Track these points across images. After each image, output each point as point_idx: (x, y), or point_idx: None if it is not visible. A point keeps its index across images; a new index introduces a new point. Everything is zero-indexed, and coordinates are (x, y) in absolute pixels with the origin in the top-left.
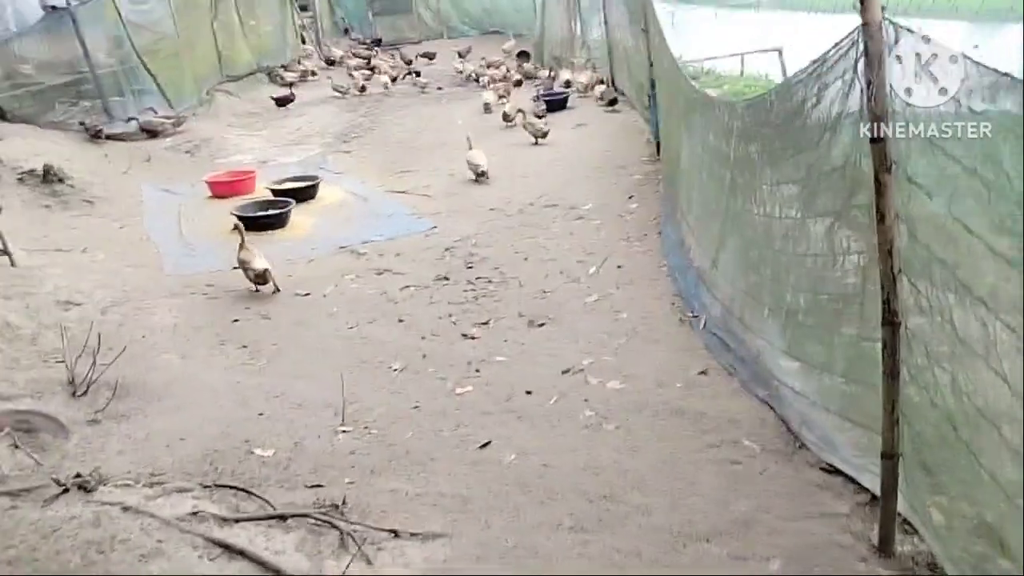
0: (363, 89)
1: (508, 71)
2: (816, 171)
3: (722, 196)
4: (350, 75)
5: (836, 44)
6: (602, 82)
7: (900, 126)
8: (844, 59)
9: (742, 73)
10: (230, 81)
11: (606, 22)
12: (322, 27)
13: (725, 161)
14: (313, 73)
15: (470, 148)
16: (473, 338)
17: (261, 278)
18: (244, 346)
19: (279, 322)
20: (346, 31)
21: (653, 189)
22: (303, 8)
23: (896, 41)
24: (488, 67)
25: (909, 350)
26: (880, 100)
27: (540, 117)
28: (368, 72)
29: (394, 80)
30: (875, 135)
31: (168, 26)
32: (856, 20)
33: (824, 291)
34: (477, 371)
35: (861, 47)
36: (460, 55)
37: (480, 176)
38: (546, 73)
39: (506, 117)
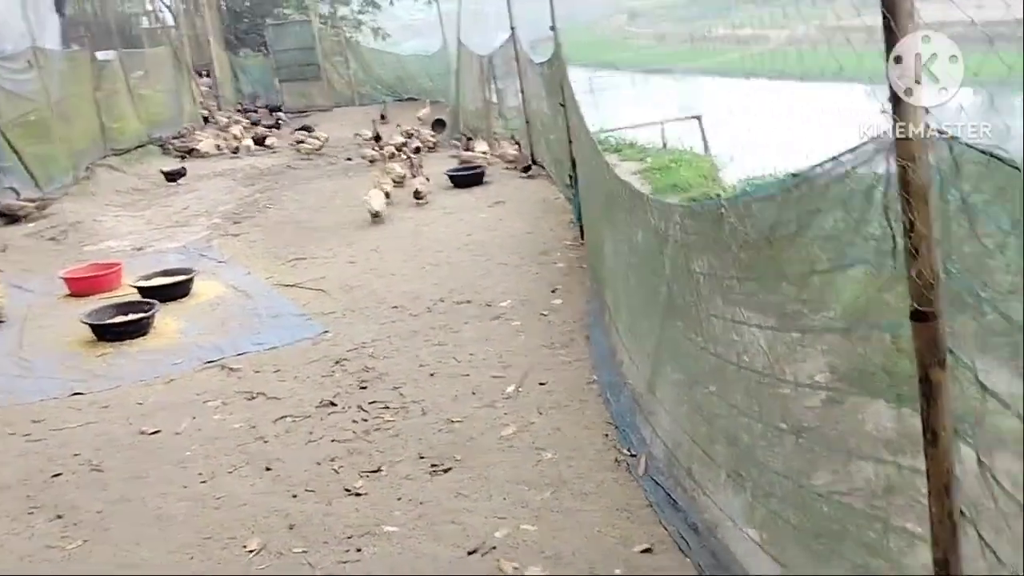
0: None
1: (405, 141)
2: (798, 323)
3: (656, 312)
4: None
5: (835, 158)
6: (517, 143)
7: (964, 296)
8: (849, 179)
9: (664, 145)
10: (115, 155)
11: (522, 92)
12: (222, 94)
13: (659, 271)
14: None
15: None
16: (358, 494)
17: None
18: (59, 516)
19: (112, 476)
20: (253, 99)
21: (579, 280)
22: (204, 74)
23: (957, 169)
24: (374, 139)
25: None
26: (929, 261)
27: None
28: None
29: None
30: (921, 312)
31: (40, 97)
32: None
33: (818, 489)
34: (358, 551)
35: (883, 170)
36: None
37: (374, 217)
38: (460, 144)
39: (417, 195)
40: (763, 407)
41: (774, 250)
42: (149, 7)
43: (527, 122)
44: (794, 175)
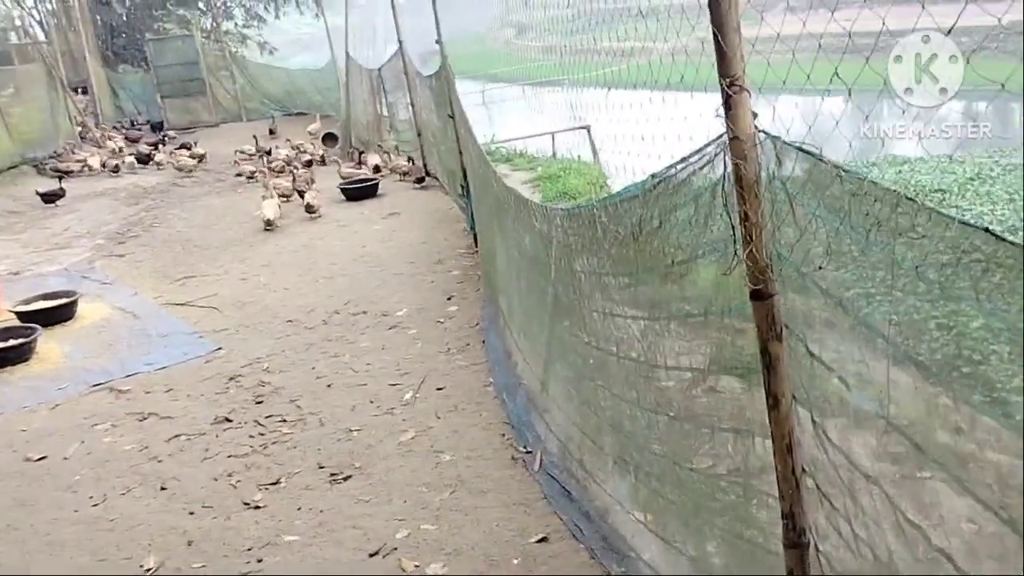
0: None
1: (289, 156)
2: (664, 311)
3: (544, 313)
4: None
5: (684, 159)
6: (411, 159)
7: (793, 275)
8: (696, 177)
9: (554, 154)
10: None
11: (412, 104)
12: (102, 111)
13: (545, 273)
14: (90, 168)
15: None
16: (258, 507)
17: None
18: None
19: None
20: (133, 117)
21: (474, 287)
22: (81, 91)
23: (779, 163)
24: (265, 153)
25: None
26: (760, 245)
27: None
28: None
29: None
30: (757, 292)
31: None
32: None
33: (688, 464)
34: (259, 561)
35: (723, 168)
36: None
37: (268, 225)
38: (354, 157)
39: (310, 209)
40: (640, 394)
41: (640, 245)
42: (17, 23)
43: (419, 134)
44: (653, 176)
